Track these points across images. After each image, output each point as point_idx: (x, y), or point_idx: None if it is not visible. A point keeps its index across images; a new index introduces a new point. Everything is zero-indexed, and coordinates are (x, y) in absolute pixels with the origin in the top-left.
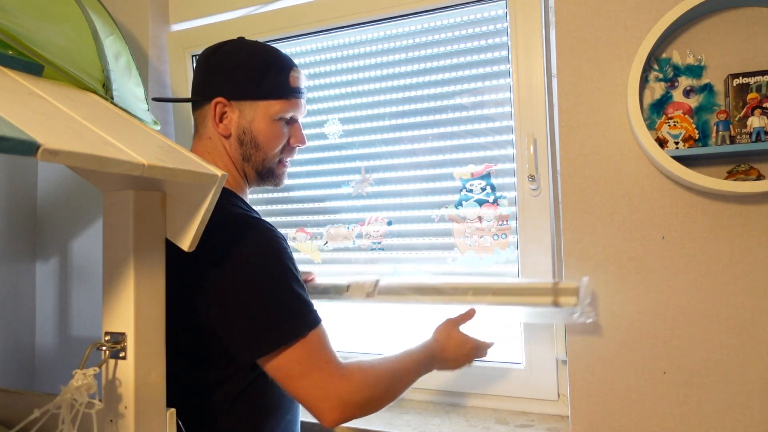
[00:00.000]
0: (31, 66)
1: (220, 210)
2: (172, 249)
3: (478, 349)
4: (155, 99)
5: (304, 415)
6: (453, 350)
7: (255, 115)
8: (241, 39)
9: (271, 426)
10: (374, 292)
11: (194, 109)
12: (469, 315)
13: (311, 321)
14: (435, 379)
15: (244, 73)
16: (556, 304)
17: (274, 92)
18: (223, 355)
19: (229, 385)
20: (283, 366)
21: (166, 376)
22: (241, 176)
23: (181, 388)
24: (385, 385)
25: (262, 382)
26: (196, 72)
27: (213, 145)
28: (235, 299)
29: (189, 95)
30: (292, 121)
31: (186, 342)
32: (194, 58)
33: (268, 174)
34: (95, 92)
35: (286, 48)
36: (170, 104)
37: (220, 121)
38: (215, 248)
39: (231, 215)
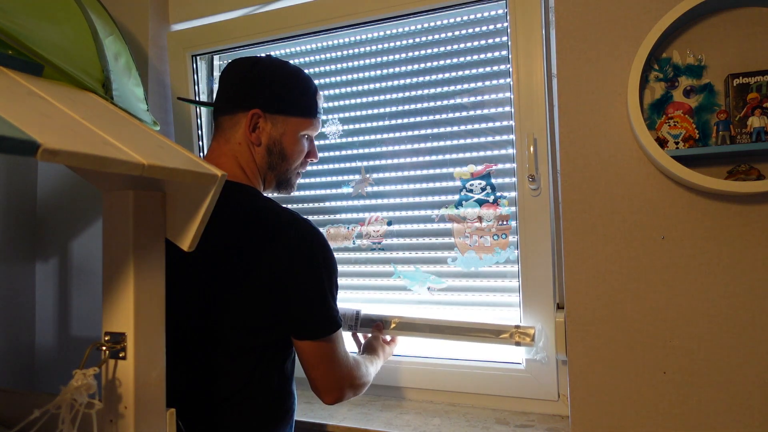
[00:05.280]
0: (31, 66)
1: (278, 209)
2: (219, 246)
3: (389, 344)
4: (181, 99)
5: (303, 415)
6: (387, 354)
7: (286, 129)
8: (271, 57)
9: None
10: (357, 324)
11: (222, 114)
12: (379, 329)
13: (340, 320)
14: (435, 379)
15: (283, 90)
16: (517, 343)
17: (306, 111)
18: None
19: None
20: (316, 350)
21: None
22: (261, 181)
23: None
24: (366, 381)
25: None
26: (229, 81)
27: (242, 150)
28: (303, 289)
29: (190, 96)
30: (310, 138)
31: (229, 333)
32: (195, 58)
33: (286, 183)
34: (95, 92)
35: (286, 48)
36: (170, 104)
37: (253, 130)
38: (286, 243)
39: (294, 216)
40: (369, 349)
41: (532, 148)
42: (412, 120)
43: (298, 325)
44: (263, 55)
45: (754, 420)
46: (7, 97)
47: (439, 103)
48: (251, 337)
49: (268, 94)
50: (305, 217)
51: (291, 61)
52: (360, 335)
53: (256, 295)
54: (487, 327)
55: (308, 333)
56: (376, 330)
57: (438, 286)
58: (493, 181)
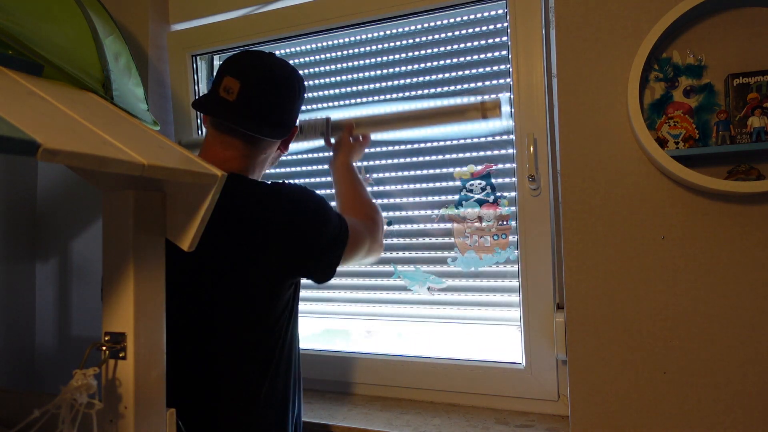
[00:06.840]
0: (31, 66)
1: (262, 190)
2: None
3: (360, 143)
4: (194, 106)
5: (303, 415)
6: (360, 153)
7: (289, 138)
8: (285, 61)
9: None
10: (328, 130)
11: (265, 137)
12: (350, 128)
13: (347, 228)
14: (435, 379)
15: (300, 103)
16: (484, 117)
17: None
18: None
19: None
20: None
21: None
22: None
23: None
24: (373, 209)
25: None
26: (271, 101)
27: (266, 157)
28: (310, 243)
29: (190, 96)
30: None
31: (238, 325)
32: (195, 58)
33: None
34: (95, 92)
35: (286, 48)
36: (170, 104)
37: (285, 145)
38: (278, 223)
39: (277, 190)
40: (340, 147)
41: (532, 148)
42: None
43: (319, 272)
44: (277, 54)
45: (754, 420)
46: (7, 97)
47: (439, 102)
48: (252, 336)
49: (298, 109)
50: (288, 182)
51: (291, 62)
52: (333, 139)
53: (264, 276)
54: (453, 108)
55: (325, 274)
56: (347, 131)
57: (438, 286)
58: (493, 181)
